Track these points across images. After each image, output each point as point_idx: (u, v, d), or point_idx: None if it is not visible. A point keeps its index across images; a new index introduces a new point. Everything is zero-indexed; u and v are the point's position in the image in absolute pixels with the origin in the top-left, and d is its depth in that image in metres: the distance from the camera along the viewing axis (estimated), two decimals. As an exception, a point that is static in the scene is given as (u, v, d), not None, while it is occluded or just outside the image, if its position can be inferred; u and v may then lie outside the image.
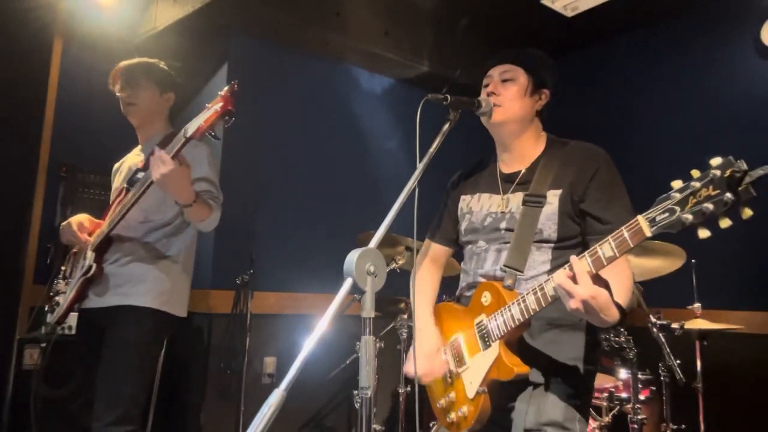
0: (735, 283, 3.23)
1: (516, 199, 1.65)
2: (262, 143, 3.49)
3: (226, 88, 1.85)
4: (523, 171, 1.69)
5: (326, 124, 3.80)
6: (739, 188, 1.06)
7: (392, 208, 1.36)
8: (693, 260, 2.68)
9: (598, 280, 1.28)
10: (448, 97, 1.53)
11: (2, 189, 3.27)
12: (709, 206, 1.08)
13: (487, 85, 1.71)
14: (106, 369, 2.11)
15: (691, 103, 3.59)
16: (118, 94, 2.36)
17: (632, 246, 1.21)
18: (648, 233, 1.18)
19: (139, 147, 2.47)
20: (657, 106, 3.77)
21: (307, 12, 3.43)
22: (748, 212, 1.06)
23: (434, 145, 1.51)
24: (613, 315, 1.29)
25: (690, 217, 1.10)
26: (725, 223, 1.07)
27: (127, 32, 3.62)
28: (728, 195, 1.06)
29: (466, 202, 1.79)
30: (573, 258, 1.29)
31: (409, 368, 1.64)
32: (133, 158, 2.46)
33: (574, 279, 1.27)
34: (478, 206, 1.74)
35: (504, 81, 1.68)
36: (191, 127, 1.88)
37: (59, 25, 3.51)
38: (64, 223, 2.29)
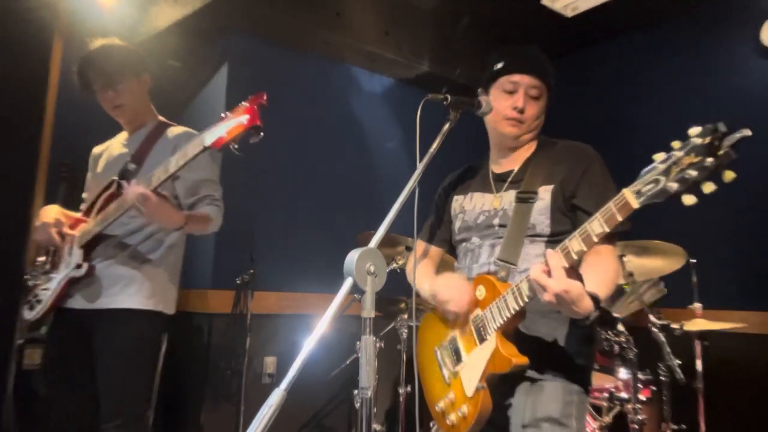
0: (735, 283, 3.23)
1: (509, 197, 1.67)
2: (262, 143, 3.47)
3: (251, 97, 1.74)
4: (515, 170, 1.71)
5: (326, 124, 3.80)
6: (719, 152, 1.09)
7: (392, 208, 1.36)
8: (693, 260, 2.68)
9: (572, 274, 1.31)
10: (449, 97, 1.53)
11: (2, 189, 3.26)
12: (692, 173, 1.10)
13: (512, 92, 1.67)
14: (109, 377, 2.05)
15: (691, 103, 3.59)
16: (96, 93, 2.22)
17: (620, 219, 1.23)
18: (635, 204, 1.20)
19: (125, 137, 2.35)
20: (657, 106, 3.77)
21: (307, 12, 3.43)
22: (730, 175, 1.09)
23: (434, 145, 1.51)
24: (585, 307, 1.30)
25: (675, 185, 1.13)
26: (709, 188, 1.10)
27: (127, 32, 3.61)
28: (710, 159, 1.09)
29: (458, 202, 1.81)
30: (549, 252, 1.32)
31: (447, 307, 1.61)
32: (118, 148, 2.34)
33: (549, 273, 1.29)
34: (470, 205, 1.76)
35: (531, 97, 1.67)
36: (210, 137, 1.77)
37: (59, 25, 3.51)
38: (38, 222, 2.17)
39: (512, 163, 1.74)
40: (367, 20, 3.66)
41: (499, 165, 1.78)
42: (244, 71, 3.48)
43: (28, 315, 2.18)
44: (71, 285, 2.12)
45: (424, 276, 1.82)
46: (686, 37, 3.70)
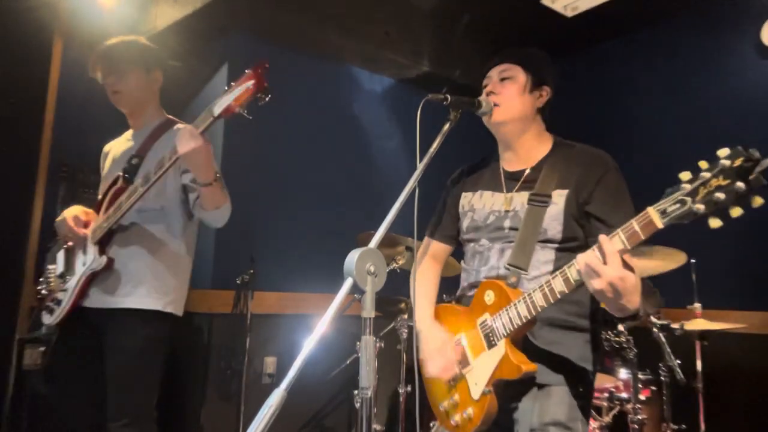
0: (735, 283, 3.23)
1: (520, 198, 1.64)
2: (263, 143, 3.49)
3: (254, 65, 1.75)
4: (529, 170, 1.68)
5: (326, 124, 3.80)
6: (750, 177, 1.06)
7: (392, 208, 1.36)
8: (693, 260, 2.68)
9: (626, 265, 1.25)
10: (449, 97, 1.53)
11: (2, 189, 3.26)
12: (721, 196, 1.07)
13: (486, 86, 1.71)
14: (118, 376, 2.06)
15: (691, 103, 3.59)
16: (101, 81, 2.24)
17: (643, 238, 1.20)
18: (660, 225, 1.17)
19: (131, 133, 2.36)
20: (657, 107, 3.77)
21: (307, 12, 3.43)
22: (759, 200, 1.07)
23: (434, 145, 1.51)
24: (635, 302, 1.25)
25: (702, 207, 1.09)
26: (736, 212, 1.07)
27: (127, 32, 3.58)
28: (739, 184, 1.06)
29: (467, 199, 1.79)
30: (602, 237, 1.24)
31: (427, 369, 1.63)
32: (123, 144, 2.35)
33: (603, 259, 1.23)
34: (480, 204, 1.74)
35: (503, 80, 1.68)
36: (219, 106, 1.78)
37: (59, 25, 3.50)
38: (59, 218, 2.20)
39: (524, 161, 1.71)
40: (367, 20, 3.65)
41: (509, 163, 1.74)
42: (244, 71, 3.47)
43: (48, 320, 2.17)
44: (90, 282, 2.12)
45: (425, 296, 1.81)
46: (686, 36, 3.69)
